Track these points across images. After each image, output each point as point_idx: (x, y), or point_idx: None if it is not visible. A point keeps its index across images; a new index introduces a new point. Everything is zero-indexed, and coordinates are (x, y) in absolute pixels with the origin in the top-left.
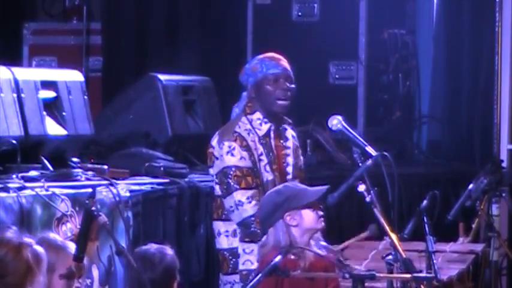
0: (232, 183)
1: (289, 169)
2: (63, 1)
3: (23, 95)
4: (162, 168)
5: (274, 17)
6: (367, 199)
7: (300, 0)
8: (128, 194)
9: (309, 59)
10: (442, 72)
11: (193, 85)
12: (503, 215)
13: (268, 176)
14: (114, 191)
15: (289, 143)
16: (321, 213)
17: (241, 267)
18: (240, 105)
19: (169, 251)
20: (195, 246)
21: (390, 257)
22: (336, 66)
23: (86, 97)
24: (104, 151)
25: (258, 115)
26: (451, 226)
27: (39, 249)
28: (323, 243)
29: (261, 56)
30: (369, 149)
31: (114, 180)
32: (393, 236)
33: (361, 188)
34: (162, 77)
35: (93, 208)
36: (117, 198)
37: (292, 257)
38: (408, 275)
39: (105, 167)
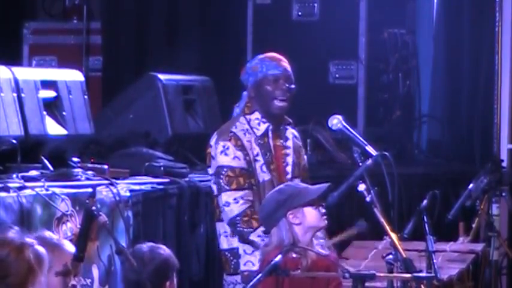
0: (223, 184)
1: (289, 169)
2: (63, 1)
3: (23, 95)
4: (162, 168)
5: (274, 17)
6: (367, 199)
7: (300, 0)
8: (128, 194)
9: (309, 59)
10: (442, 72)
11: (193, 85)
12: (503, 214)
13: (264, 176)
14: (114, 190)
15: (289, 143)
16: (323, 210)
17: (242, 268)
18: (240, 105)
19: (163, 250)
20: (195, 246)
21: (390, 256)
22: (336, 66)
23: (86, 97)
24: (104, 151)
25: (256, 115)
26: (451, 226)
27: (41, 249)
28: (322, 241)
29: (262, 56)
30: (369, 149)
31: (114, 180)
32: (393, 236)
33: (361, 187)
34: (162, 76)
35: (93, 208)
36: (117, 198)
37: (294, 255)
38: (408, 275)
39: (105, 166)
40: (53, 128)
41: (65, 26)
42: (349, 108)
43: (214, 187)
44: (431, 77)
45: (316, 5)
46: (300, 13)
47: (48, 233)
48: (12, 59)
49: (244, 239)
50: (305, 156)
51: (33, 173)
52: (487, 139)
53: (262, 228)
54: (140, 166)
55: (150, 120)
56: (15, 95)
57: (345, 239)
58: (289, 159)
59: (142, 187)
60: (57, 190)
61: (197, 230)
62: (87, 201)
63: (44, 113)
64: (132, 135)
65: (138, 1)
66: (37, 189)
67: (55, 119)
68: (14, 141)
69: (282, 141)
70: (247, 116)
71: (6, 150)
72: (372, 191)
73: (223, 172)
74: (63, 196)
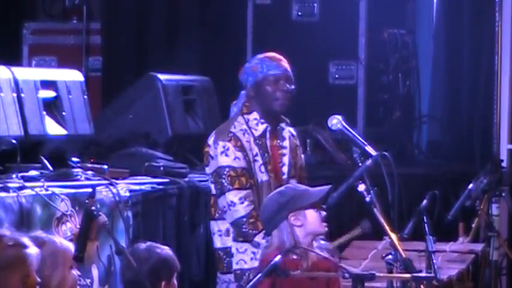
0: (225, 184)
1: (285, 169)
2: (63, 1)
3: (22, 95)
4: (162, 168)
5: (274, 17)
6: (367, 199)
7: (300, 0)
8: (127, 194)
9: (308, 59)
10: (442, 72)
11: (193, 85)
12: (503, 214)
13: (263, 176)
14: (114, 190)
15: (286, 143)
16: (324, 213)
17: (235, 266)
18: (238, 104)
19: (162, 250)
20: (195, 246)
21: (390, 256)
22: (336, 66)
23: (85, 97)
24: (103, 151)
25: (255, 115)
26: (451, 226)
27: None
28: (323, 242)
29: (261, 56)
30: (369, 149)
31: (114, 180)
32: (393, 236)
33: (361, 188)
34: (162, 76)
35: (93, 208)
36: (117, 198)
37: (295, 257)
38: (408, 275)
39: (105, 166)
40: (53, 128)
41: (64, 27)
42: (349, 109)
43: (213, 186)
44: (431, 77)
45: (316, 5)
46: (299, 13)
47: (39, 232)
48: (12, 59)
49: (248, 240)
50: (302, 156)
51: (33, 173)
52: (486, 139)
53: None
54: (140, 166)
55: (150, 120)
56: (15, 95)
57: (350, 240)
58: (286, 160)
59: (142, 187)
60: (57, 190)
61: (197, 230)
62: (86, 201)
63: (44, 113)
64: (132, 135)
65: (138, 1)
66: (37, 189)
67: (55, 119)
68: (14, 141)
69: (278, 141)
70: (246, 116)
71: (6, 151)
72: (371, 191)
73: (225, 172)
74: (62, 196)
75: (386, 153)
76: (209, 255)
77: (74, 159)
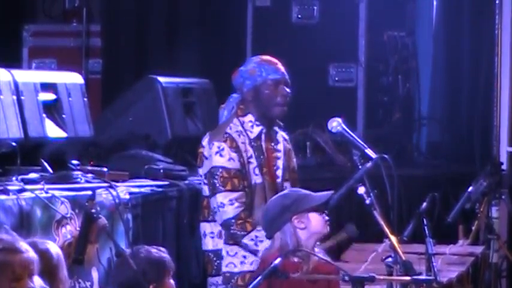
0: (217, 185)
1: (279, 172)
2: (62, 3)
3: (22, 97)
4: (161, 171)
5: (273, 19)
6: (367, 201)
7: (300, 2)
8: (127, 196)
9: (308, 61)
10: (442, 74)
11: (193, 87)
12: (503, 217)
13: (257, 179)
14: (114, 193)
15: (280, 146)
16: (327, 217)
17: (224, 269)
18: (229, 107)
19: (148, 253)
20: (194, 248)
21: (390, 259)
22: (336, 68)
23: (85, 99)
24: (103, 153)
25: (250, 117)
26: (451, 228)
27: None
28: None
29: (257, 59)
30: (369, 151)
31: (113, 183)
32: (393, 238)
33: (361, 190)
34: (162, 79)
35: (93, 210)
36: (117, 201)
37: (296, 260)
38: (408, 278)
39: (105, 169)
40: (53, 131)
41: (64, 29)
42: (349, 111)
43: (206, 188)
44: (431, 78)
45: (315, 7)
46: (299, 15)
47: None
48: (12, 61)
49: (236, 242)
50: (294, 159)
51: (33, 175)
52: (486, 141)
53: (255, 232)
54: (140, 169)
55: (150, 122)
56: (14, 97)
57: (335, 244)
58: (280, 163)
59: (142, 190)
60: (57, 193)
61: (197, 233)
62: (86, 203)
63: (44, 115)
64: (131, 137)
65: (138, 3)
66: (37, 192)
67: (55, 122)
68: (14, 143)
69: (273, 144)
70: (241, 118)
71: (6, 153)
72: (371, 194)
73: (218, 173)
74: (62, 199)
75: (386, 156)
76: None
77: (74, 161)
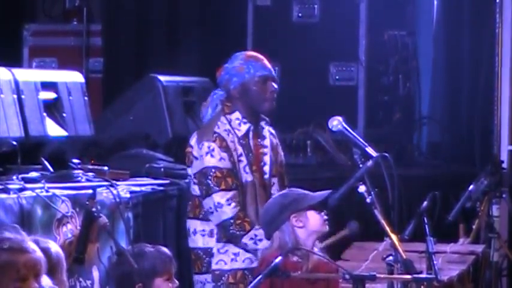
0: (212, 185)
1: (266, 168)
2: (63, 2)
3: (23, 96)
4: (162, 169)
5: (274, 18)
6: (368, 200)
7: (300, 1)
8: (128, 195)
9: (309, 60)
10: (442, 74)
11: (193, 86)
12: (504, 216)
13: (247, 177)
14: (115, 192)
15: (267, 142)
16: (325, 216)
17: (214, 266)
18: (212, 105)
19: (134, 257)
20: None
21: (390, 258)
22: (336, 68)
23: (86, 98)
24: (104, 152)
25: (237, 115)
26: (452, 227)
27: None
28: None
29: (242, 56)
30: (369, 150)
31: (114, 181)
32: (393, 237)
33: (362, 189)
34: (162, 78)
35: (94, 209)
36: (118, 199)
37: (295, 259)
38: (408, 276)
39: (106, 168)
40: (53, 130)
41: (65, 28)
42: (349, 110)
43: (196, 187)
44: (431, 78)
45: (316, 6)
46: (300, 14)
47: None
48: (13, 60)
49: (236, 242)
50: (282, 153)
51: (34, 174)
52: (487, 140)
53: (254, 231)
54: (140, 167)
55: (150, 121)
56: (15, 96)
57: (337, 241)
58: (267, 159)
59: (143, 188)
60: (58, 191)
61: None
62: (87, 202)
63: (44, 114)
64: (132, 136)
65: (138, 3)
66: (37, 191)
67: (55, 121)
68: (14, 142)
69: (259, 139)
70: (228, 116)
71: (7, 152)
72: (372, 193)
73: (211, 173)
74: (63, 197)
75: (386, 155)
76: None
77: (75, 160)
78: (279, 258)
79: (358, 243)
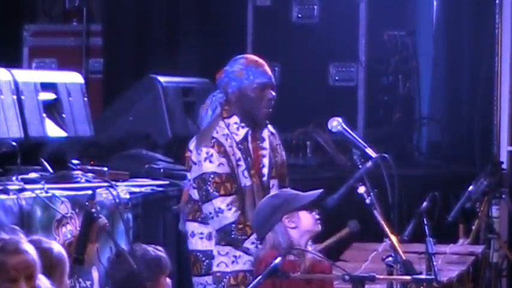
0: (211, 190)
1: (265, 170)
2: (63, 3)
3: (22, 97)
4: (162, 170)
5: (274, 19)
6: (367, 201)
7: (300, 1)
8: (127, 196)
9: (308, 61)
10: (442, 74)
11: (193, 87)
12: (503, 216)
13: (246, 181)
14: (114, 192)
15: (266, 144)
16: (317, 216)
17: (215, 268)
18: (212, 107)
19: (145, 253)
20: None
21: (390, 258)
22: (336, 68)
23: (85, 99)
24: (103, 153)
25: (235, 119)
26: (451, 228)
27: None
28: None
29: (243, 60)
30: (369, 151)
31: (114, 182)
32: (393, 238)
33: (361, 189)
34: (162, 78)
35: (93, 210)
36: (117, 200)
37: (292, 258)
38: (408, 277)
39: (105, 168)
40: (53, 130)
41: (64, 28)
42: (349, 110)
43: (195, 192)
44: (431, 78)
45: (315, 7)
46: (299, 15)
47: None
48: (12, 61)
49: (237, 246)
50: (283, 152)
51: (33, 175)
52: (487, 141)
53: (255, 235)
54: (140, 168)
55: (150, 122)
56: (15, 97)
57: (338, 240)
58: (266, 161)
59: (142, 189)
60: (57, 192)
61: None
62: (87, 203)
63: (44, 115)
64: (132, 137)
65: (138, 3)
66: (37, 192)
67: (55, 121)
68: (14, 143)
69: (258, 142)
70: (226, 120)
71: (6, 153)
72: (371, 193)
73: (210, 179)
74: (63, 198)
75: (386, 155)
76: None
77: (74, 161)
78: (279, 258)
79: (358, 244)
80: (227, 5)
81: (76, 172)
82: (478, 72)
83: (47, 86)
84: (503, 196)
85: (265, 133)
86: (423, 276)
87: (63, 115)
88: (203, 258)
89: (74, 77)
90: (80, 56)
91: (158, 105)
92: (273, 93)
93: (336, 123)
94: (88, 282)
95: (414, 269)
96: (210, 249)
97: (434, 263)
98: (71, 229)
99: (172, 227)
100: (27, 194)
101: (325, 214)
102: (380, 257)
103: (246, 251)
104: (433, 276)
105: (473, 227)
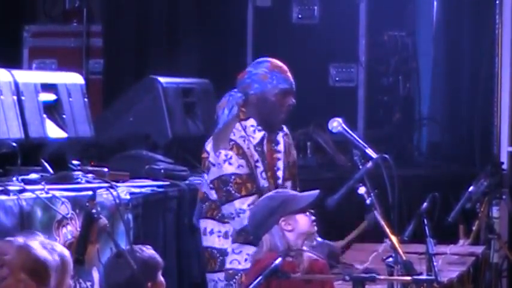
0: (233, 191)
1: (280, 173)
2: (63, 3)
3: (23, 98)
4: (162, 171)
5: (274, 20)
6: (367, 201)
7: (300, 2)
8: (128, 197)
9: (309, 61)
10: (442, 74)
11: (193, 87)
12: (504, 217)
13: (264, 182)
14: (115, 193)
15: (281, 147)
16: (313, 217)
17: (228, 265)
18: (229, 106)
19: (140, 254)
20: (195, 249)
21: (390, 259)
22: (336, 69)
23: (86, 99)
24: (104, 153)
25: (251, 122)
26: (451, 228)
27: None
28: (319, 239)
29: (267, 64)
30: (369, 151)
31: (114, 183)
32: (393, 238)
33: (361, 190)
34: (162, 79)
35: (94, 210)
36: (118, 201)
37: (290, 259)
38: (408, 278)
39: (106, 169)
40: (53, 131)
41: (65, 29)
42: (349, 111)
43: (213, 192)
44: (431, 79)
45: (316, 7)
46: (300, 16)
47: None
48: (12, 62)
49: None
50: (294, 152)
51: (33, 176)
52: (487, 141)
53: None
54: (140, 169)
55: (150, 122)
56: (15, 98)
57: (358, 235)
58: (280, 164)
59: (143, 190)
60: (58, 193)
61: (197, 233)
62: (87, 204)
63: (44, 116)
64: (132, 137)
65: (138, 4)
66: (37, 192)
67: (55, 122)
68: (14, 144)
69: (273, 145)
70: (243, 123)
71: (7, 153)
72: (372, 194)
73: (231, 180)
74: (63, 199)
75: (386, 156)
76: None
77: (75, 162)
78: (279, 259)
79: (358, 245)
80: (227, 6)
81: (76, 173)
82: (478, 73)
83: (47, 87)
84: (504, 197)
85: (280, 134)
86: (423, 277)
87: (64, 116)
88: (218, 255)
89: (74, 78)
90: (80, 56)
91: (158, 106)
92: (293, 100)
93: (336, 124)
94: (88, 283)
95: (414, 270)
96: (225, 247)
97: (435, 264)
98: (71, 230)
99: (172, 227)
100: (28, 194)
101: (325, 214)
102: (380, 257)
103: None
104: (433, 277)
105: (474, 228)
